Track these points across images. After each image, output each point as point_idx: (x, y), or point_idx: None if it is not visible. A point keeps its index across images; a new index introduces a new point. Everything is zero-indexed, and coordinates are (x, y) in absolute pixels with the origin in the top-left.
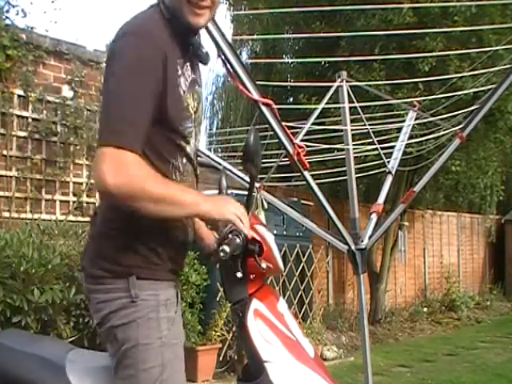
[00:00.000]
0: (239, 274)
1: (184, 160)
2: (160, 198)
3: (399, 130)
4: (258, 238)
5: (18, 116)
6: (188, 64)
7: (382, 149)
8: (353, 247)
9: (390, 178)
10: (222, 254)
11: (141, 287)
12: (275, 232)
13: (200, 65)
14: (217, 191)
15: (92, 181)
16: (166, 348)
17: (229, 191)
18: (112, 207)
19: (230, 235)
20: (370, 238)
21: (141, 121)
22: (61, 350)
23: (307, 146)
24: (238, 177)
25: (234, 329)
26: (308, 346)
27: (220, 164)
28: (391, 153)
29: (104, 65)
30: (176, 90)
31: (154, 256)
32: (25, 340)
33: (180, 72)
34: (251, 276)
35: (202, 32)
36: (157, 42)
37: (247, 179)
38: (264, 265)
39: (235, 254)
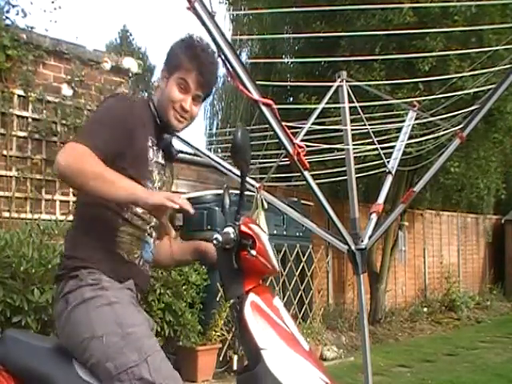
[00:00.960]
0: (235, 265)
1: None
2: (98, 175)
3: (399, 129)
4: (251, 233)
5: (18, 116)
6: (161, 153)
7: (382, 149)
8: (353, 247)
9: (389, 178)
10: (214, 242)
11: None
12: (275, 232)
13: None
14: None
15: None
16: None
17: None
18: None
19: (225, 229)
20: (370, 238)
21: (103, 140)
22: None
23: (307, 146)
24: (238, 176)
25: (234, 328)
26: (303, 340)
27: (220, 164)
28: (391, 153)
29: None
30: (142, 148)
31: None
32: (32, 335)
33: (150, 143)
34: (248, 274)
35: (203, 32)
36: (134, 106)
37: (247, 179)
38: (254, 252)
39: (229, 247)
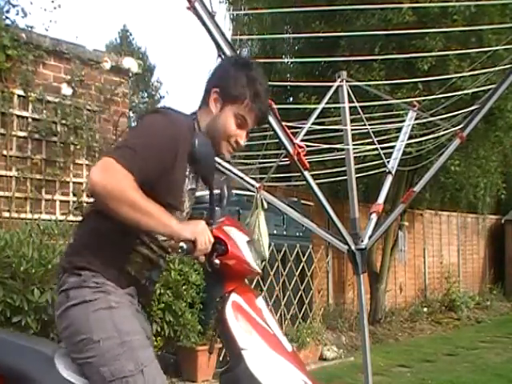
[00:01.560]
0: (208, 269)
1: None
2: (135, 203)
3: (399, 129)
4: (224, 238)
5: (18, 116)
6: (193, 175)
7: (382, 149)
8: (353, 247)
9: (389, 178)
10: (179, 251)
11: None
12: (275, 232)
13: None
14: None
15: None
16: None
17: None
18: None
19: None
20: (370, 238)
21: (146, 163)
22: (50, 344)
23: (307, 146)
24: (238, 177)
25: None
26: (285, 341)
27: (220, 164)
28: (391, 153)
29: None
30: (180, 179)
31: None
32: (17, 335)
33: (187, 172)
34: (228, 275)
35: (203, 32)
36: (181, 130)
37: (247, 179)
38: (217, 261)
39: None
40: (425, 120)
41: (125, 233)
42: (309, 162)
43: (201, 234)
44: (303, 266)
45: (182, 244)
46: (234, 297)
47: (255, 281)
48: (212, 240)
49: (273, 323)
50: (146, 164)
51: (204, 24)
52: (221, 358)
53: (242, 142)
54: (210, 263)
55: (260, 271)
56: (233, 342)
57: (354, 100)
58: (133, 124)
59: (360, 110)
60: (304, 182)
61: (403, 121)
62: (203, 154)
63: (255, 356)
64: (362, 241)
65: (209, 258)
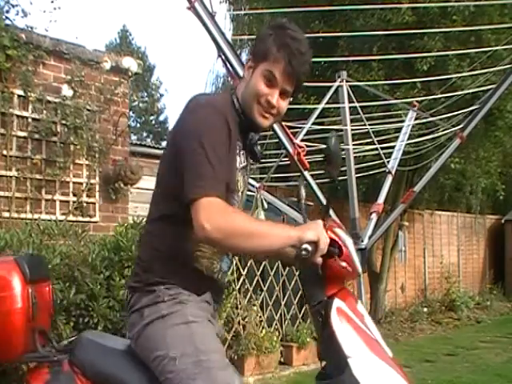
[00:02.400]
0: (320, 273)
1: None
2: (250, 232)
3: (398, 129)
4: (337, 239)
5: (18, 116)
6: (243, 152)
7: (382, 149)
8: None
9: (389, 178)
10: (304, 253)
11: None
12: None
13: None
14: None
15: (92, 181)
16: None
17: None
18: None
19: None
20: (369, 237)
21: (221, 172)
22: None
23: (307, 146)
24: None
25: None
26: (386, 347)
27: None
28: (391, 153)
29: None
30: (234, 163)
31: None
32: (109, 337)
33: (238, 151)
34: (331, 279)
35: (204, 33)
36: (227, 117)
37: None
38: (344, 264)
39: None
40: (425, 120)
41: (188, 230)
42: (309, 162)
43: (322, 233)
44: None
45: (305, 246)
46: (338, 302)
47: (255, 281)
48: (328, 240)
49: (374, 328)
50: (222, 165)
51: (204, 24)
52: None
53: (274, 100)
54: (328, 263)
55: (361, 272)
56: (338, 350)
57: (354, 100)
58: (133, 124)
59: (360, 110)
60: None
61: (403, 121)
62: (337, 153)
63: (360, 363)
64: (362, 241)
65: (323, 260)
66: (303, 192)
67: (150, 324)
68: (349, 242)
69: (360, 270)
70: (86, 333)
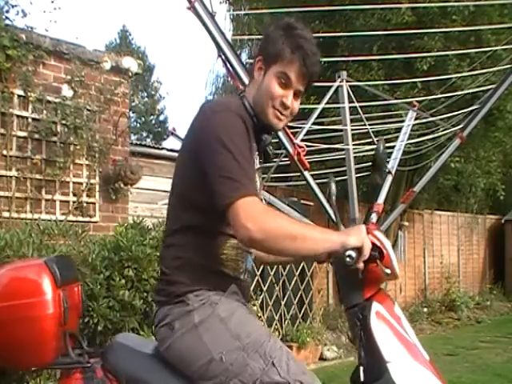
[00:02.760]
0: (360, 277)
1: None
2: (294, 235)
3: (398, 129)
4: (378, 243)
5: (18, 116)
6: (257, 153)
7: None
8: None
9: (389, 178)
10: (348, 260)
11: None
12: None
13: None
14: None
15: (92, 181)
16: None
17: None
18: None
19: None
20: None
21: (250, 172)
22: None
23: (307, 146)
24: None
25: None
26: (423, 350)
27: None
28: (391, 153)
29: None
30: (254, 164)
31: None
32: (142, 340)
33: (253, 153)
34: (368, 281)
35: (204, 33)
36: (245, 121)
37: None
38: (388, 271)
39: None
40: (425, 120)
41: (211, 236)
42: (309, 162)
43: (365, 239)
44: (303, 266)
45: (349, 252)
46: (376, 306)
47: (255, 281)
48: (371, 245)
49: (411, 331)
50: (250, 165)
51: (204, 24)
52: None
53: (289, 102)
54: (369, 267)
55: (399, 275)
56: (377, 354)
57: (354, 100)
58: (133, 124)
59: (360, 110)
60: (304, 182)
61: (403, 121)
62: (384, 159)
63: (400, 368)
64: None
65: (365, 264)
66: (334, 189)
67: (184, 336)
68: (388, 244)
69: (398, 272)
70: (118, 336)
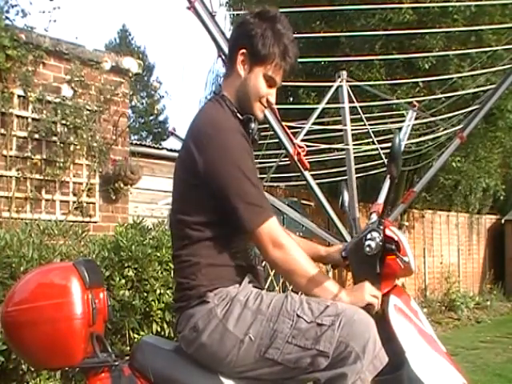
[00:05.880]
0: (378, 270)
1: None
2: (306, 274)
3: (398, 129)
4: (395, 238)
5: (18, 116)
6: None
7: (382, 149)
8: None
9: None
10: (367, 250)
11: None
12: None
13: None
14: None
15: (92, 181)
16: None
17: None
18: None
19: (370, 234)
20: None
21: (262, 191)
22: None
23: (307, 146)
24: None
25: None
26: (439, 342)
27: None
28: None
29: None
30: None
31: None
32: (169, 343)
33: (253, 157)
34: (385, 276)
35: (204, 34)
36: (241, 132)
37: None
38: (406, 259)
39: (375, 252)
40: (425, 120)
41: (220, 237)
42: (309, 162)
43: (371, 297)
44: None
45: (369, 243)
46: (394, 299)
47: None
48: (380, 295)
49: (427, 324)
50: (261, 183)
51: (204, 24)
52: None
53: (273, 99)
54: (386, 261)
55: (415, 270)
56: (397, 346)
57: (354, 100)
58: (133, 124)
59: (360, 110)
60: (304, 182)
61: (403, 120)
62: (400, 152)
63: (419, 358)
64: None
65: (381, 257)
66: (346, 196)
67: (211, 334)
68: (404, 239)
69: (414, 267)
70: (145, 337)
